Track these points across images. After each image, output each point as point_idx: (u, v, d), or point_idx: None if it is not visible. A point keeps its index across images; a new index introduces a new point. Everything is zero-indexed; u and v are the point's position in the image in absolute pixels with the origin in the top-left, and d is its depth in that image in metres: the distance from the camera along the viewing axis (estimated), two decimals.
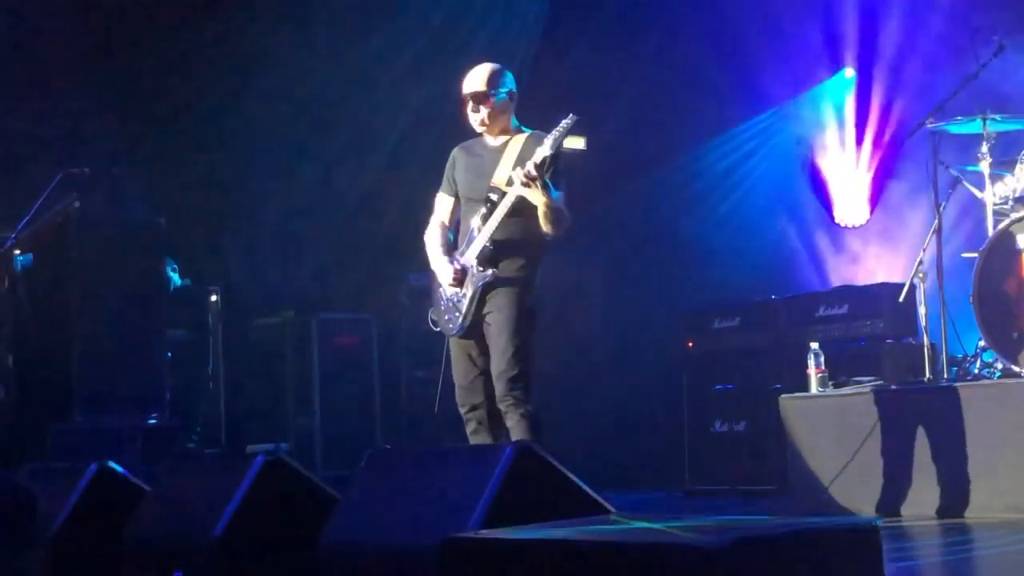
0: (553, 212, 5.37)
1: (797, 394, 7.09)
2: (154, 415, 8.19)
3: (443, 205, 5.76)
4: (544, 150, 5.33)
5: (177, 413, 8.46)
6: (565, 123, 5.36)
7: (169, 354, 8.45)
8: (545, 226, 5.41)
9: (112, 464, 5.19)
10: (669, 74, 9.95)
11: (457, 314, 5.49)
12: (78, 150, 8.50)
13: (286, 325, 9.33)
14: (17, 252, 7.84)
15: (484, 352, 5.48)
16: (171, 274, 8.91)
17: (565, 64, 10.07)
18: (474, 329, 5.48)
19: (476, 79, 5.59)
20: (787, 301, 8.36)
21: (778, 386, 7.63)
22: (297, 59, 9.91)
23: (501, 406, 5.36)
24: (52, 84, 9.01)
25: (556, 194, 5.37)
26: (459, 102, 5.67)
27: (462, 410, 5.55)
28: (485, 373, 5.47)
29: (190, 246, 9.26)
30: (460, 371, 5.56)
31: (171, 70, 9.41)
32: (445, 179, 5.77)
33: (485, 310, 5.45)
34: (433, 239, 5.70)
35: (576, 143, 9.78)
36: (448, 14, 10.07)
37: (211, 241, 9.70)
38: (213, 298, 9.23)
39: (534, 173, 5.27)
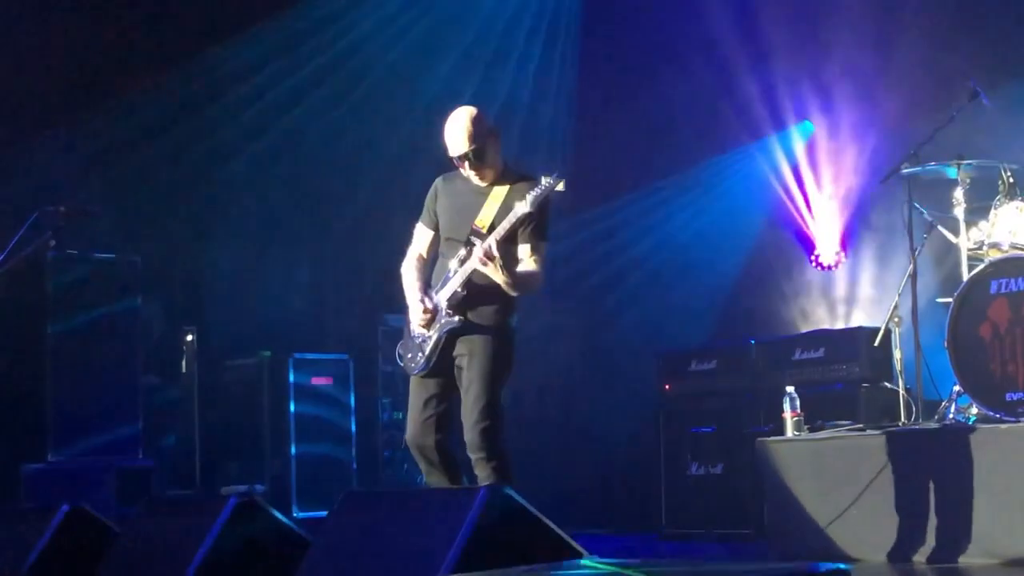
0: (514, 288, 5.31)
1: (774, 437, 7.08)
2: (128, 455, 8.13)
3: (422, 237, 5.62)
4: (523, 207, 5.24)
5: (151, 453, 8.40)
6: (548, 182, 5.24)
7: (143, 394, 8.40)
8: (511, 293, 5.34)
9: (84, 505, 5.15)
10: (645, 110, 9.99)
11: (420, 355, 5.41)
12: (54, 189, 8.47)
13: (262, 366, 9.30)
14: None
15: (443, 396, 5.39)
16: None
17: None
18: (437, 371, 5.40)
19: (459, 140, 5.36)
20: (764, 344, 8.36)
21: (755, 429, 7.62)
22: (279, 101, 9.93)
23: (472, 456, 5.27)
24: (28, 123, 8.99)
25: (529, 263, 5.31)
26: (447, 159, 5.47)
27: (412, 449, 5.42)
28: (437, 415, 5.37)
29: (166, 286, 9.24)
30: (414, 410, 5.43)
31: (150, 110, 9.42)
32: (425, 210, 5.60)
33: (455, 352, 5.37)
34: (409, 273, 5.59)
35: (556, 185, 9.80)
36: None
37: (187, 281, 9.67)
38: (189, 338, 9.19)
39: (494, 254, 5.19)
